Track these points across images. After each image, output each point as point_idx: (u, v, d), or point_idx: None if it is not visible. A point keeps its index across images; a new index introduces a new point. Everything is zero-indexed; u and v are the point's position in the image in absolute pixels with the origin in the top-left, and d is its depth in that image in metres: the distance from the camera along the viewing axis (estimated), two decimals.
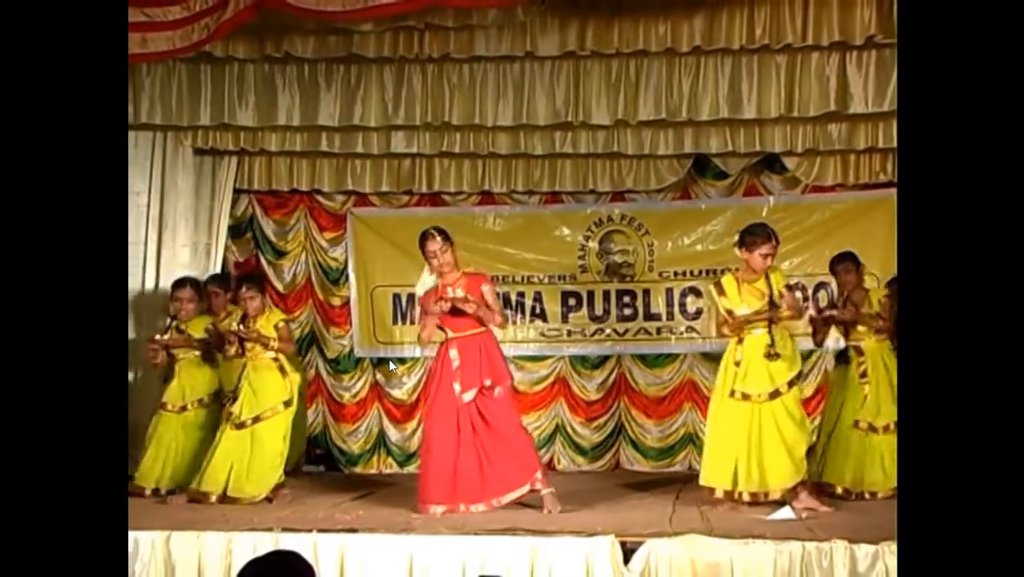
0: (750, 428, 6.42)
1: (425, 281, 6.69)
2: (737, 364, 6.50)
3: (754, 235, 6.49)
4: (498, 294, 7.25)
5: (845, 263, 7.41)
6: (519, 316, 9.24)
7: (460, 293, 6.53)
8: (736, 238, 6.69)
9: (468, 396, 6.48)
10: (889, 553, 5.08)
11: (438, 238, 6.54)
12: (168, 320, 7.75)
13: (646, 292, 9.20)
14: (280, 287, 9.40)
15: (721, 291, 6.62)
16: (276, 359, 7.16)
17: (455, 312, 6.51)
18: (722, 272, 6.64)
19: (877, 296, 7.31)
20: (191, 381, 7.56)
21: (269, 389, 7.11)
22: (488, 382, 6.53)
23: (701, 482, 6.59)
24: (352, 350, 9.41)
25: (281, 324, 7.28)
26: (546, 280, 9.23)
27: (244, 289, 7.27)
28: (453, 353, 6.55)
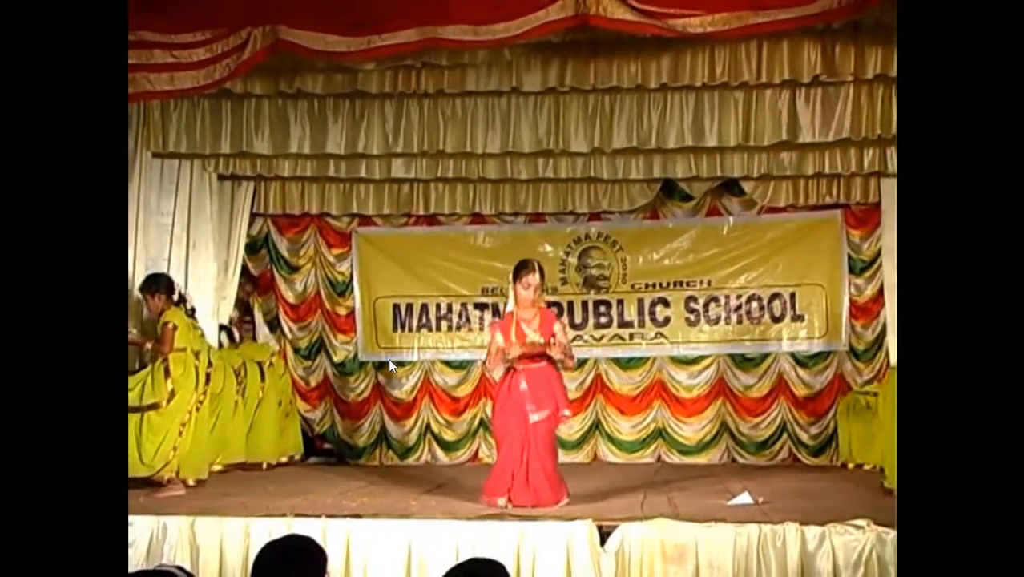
0: None
1: (509, 306, 6.45)
2: None
3: None
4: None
5: None
6: None
7: (538, 337, 6.21)
8: None
9: (537, 417, 6.19)
10: (835, 533, 5.11)
11: (538, 274, 6.24)
12: None
13: (620, 302, 9.21)
14: (292, 298, 9.43)
15: None
16: (164, 360, 6.88)
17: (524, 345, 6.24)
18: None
19: None
20: None
21: (152, 387, 6.90)
22: (567, 413, 6.42)
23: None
24: (357, 354, 9.42)
25: (167, 325, 6.88)
26: None
27: (143, 290, 7.00)
28: (523, 385, 6.24)
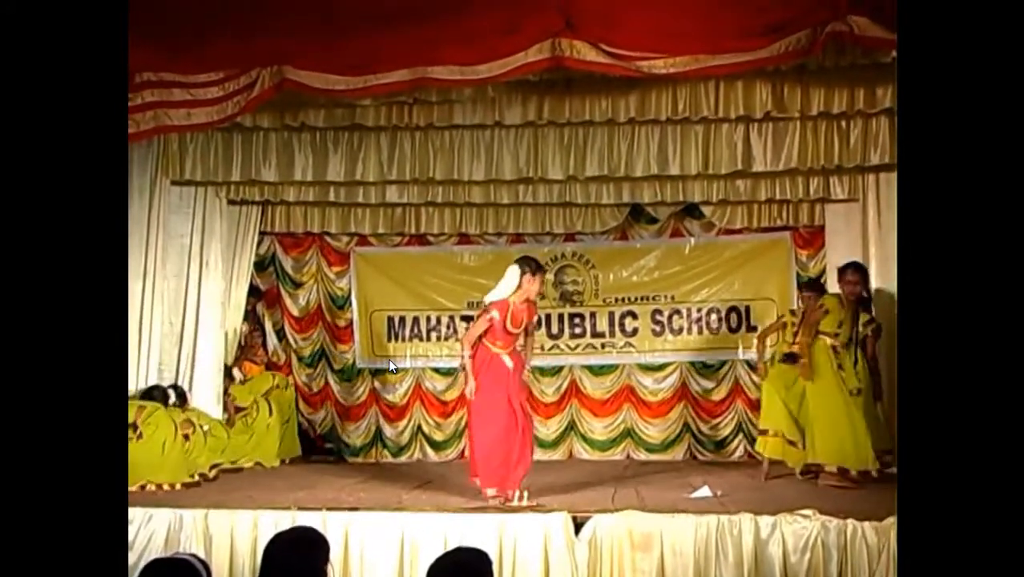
0: None
1: (501, 291, 6.31)
2: None
3: None
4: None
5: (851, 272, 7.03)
6: None
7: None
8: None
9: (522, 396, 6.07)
10: (785, 523, 5.14)
11: (538, 275, 6.30)
12: None
13: (592, 314, 9.22)
14: (296, 311, 9.41)
15: None
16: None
17: (509, 332, 6.15)
18: None
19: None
20: None
21: None
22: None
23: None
24: (355, 362, 9.39)
25: None
26: None
27: None
28: (509, 362, 6.14)
